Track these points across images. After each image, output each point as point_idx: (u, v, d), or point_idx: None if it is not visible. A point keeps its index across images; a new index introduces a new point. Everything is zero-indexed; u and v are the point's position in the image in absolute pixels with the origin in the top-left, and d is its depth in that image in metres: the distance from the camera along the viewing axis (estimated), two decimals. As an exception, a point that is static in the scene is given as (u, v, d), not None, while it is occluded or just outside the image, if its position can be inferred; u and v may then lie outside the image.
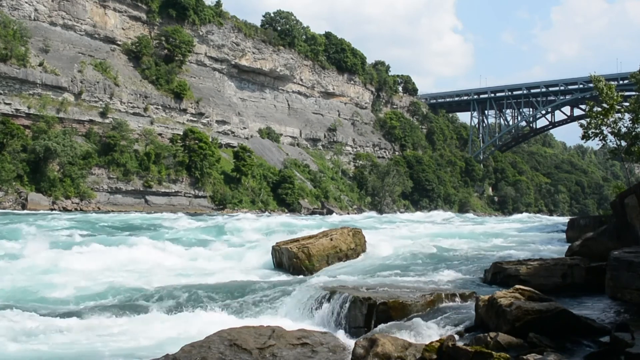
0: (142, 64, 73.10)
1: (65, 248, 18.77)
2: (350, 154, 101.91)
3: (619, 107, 26.00)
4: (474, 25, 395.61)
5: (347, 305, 9.84)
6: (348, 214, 75.70)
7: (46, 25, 64.84)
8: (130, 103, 68.08)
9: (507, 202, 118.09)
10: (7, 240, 20.61)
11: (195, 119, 76.17)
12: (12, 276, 14.15)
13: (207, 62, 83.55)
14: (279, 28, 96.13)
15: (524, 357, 6.14)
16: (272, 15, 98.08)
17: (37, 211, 46.88)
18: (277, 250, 16.37)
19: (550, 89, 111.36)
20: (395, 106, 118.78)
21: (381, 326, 9.09)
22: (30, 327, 9.60)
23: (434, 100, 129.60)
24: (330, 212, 76.13)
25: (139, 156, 64.39)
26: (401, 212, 78.78)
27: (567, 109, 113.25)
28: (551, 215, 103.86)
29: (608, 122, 24.92)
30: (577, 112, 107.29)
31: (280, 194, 76.80)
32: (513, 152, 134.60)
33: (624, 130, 25.39)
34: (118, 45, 72.57)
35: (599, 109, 25.45)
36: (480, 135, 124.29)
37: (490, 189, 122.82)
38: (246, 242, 22.93)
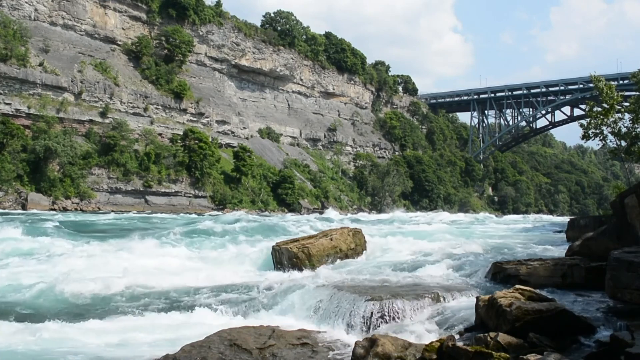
0: (142, 64, 73.13)
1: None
2: (350, 154, 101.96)
3: (619, 107, 26.04)
4: (473, 25, 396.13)
5: (347, 305, 9.84)
6: (347, 214, 75.59)
7: (46, 25, 64.86)
8: (130, 103, 68.11)
9: (507, 202, 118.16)
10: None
11: (195, 119, 76.20)
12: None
13: (207, 62, 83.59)
14: (279, 28, 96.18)
15: (524, 357, 6.14)
16: (272, 15, 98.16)
17: (38, 211, 46.85)
18: (277, 250, 16.36)
19: (550, 89, 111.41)
20: (395, 106, 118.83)
21: (381, 326, 9.09)
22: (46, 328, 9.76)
23: (434, 100, 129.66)
24: (323, 208, 76.04)
25: (139, 156, 64.41)
26: (401, 212, 77.78)
27: (567, 109, 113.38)
28: (551, 215, 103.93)
29: (608, 122, 24.96)
30: (577, 112, 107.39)
31: (280, 194, 76.83)
32: (513, 152, 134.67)
33: (624, 130, 25.44)
34: (118, 45, 72.59)
35: (599, 109, 25.49)
36: (480, 135, 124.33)
37: (490, 189, 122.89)
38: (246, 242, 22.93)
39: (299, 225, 30.90)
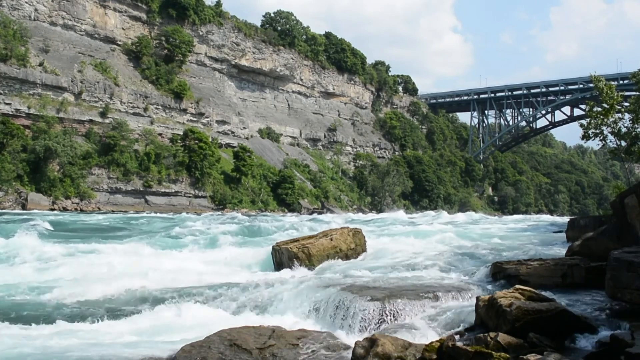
0: (142, 64, 73.17)
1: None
2: (350, 154, 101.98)
3: (619, 107, 26.04)
4: (473, 25, 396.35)
5: (347, 304, 9.84)
6: (348, 213, 75.51)
7: (46, 25, 64.89)
8: (130, 103, 68.14)
9: (507, 202, 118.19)
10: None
11: (195, 119, 76.23)
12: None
13: (207, 62, 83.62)
14: (279, 28, 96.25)
15: (524, 357, 6.13)
16: (272, 15, 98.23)
17: (38, 211, 46.85)
18: (277, 250, 16.36)
19: (550, 89, 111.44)
20: (395, 106, 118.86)
21: (381, 326, 9.09)
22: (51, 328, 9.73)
23: (434, 100, 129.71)
24: (323, 208, 75.38)
25: (139, 156, 64.43)
26: (395, 212, 73.35)
27: (567, 109, 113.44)
28: (551, 215, 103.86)
29: (608, 122, 24.97)
30: (577, 112, 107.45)
31: (280, 194, 76.86)
32: (513, 152, 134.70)
33: (624, 130, 25.46)
34: (118, 45, 72.62)
35: (599, 109, 25.50)
36: (480, 135, 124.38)
37: (490, 189, 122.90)
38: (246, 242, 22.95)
39: (284, 229, 28.74)
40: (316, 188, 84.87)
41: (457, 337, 7.64)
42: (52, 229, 26.56)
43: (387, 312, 9.36)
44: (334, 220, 41.43)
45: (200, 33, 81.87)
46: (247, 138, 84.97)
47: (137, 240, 22.05)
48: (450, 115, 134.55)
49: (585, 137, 26.01)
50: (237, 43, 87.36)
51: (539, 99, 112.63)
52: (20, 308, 11.35)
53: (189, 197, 67.84)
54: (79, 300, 12.11)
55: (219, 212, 62.37)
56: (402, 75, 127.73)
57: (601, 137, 25.75)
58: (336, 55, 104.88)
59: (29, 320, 10.28)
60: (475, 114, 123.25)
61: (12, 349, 8.30)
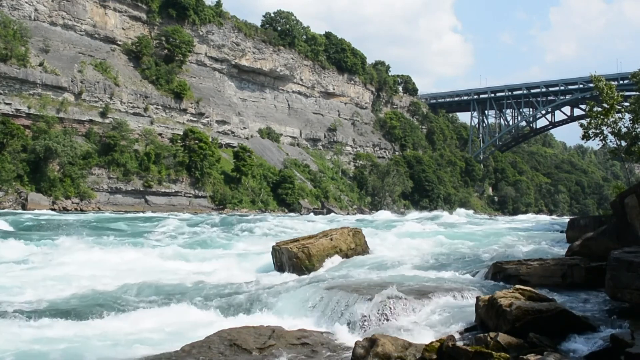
0: (142, 64, 73.18)
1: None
2: (350, 154, 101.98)
3: (619, 107, 26.02)
4: (473, 25, 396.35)
5: (347, 304, 9.84)
6: (348, 214, 75.54)
7: (46, 25, 64.90)
8: (130, 103, 68.15)
9: (507, 202, 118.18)
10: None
11: (195, 119, 76.23)
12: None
13: (207, 62, 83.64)
14: (279, 28, 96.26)
15: (524, 357, 6.13)
16: (272, 15, 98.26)
17: (37, 211, 46.83)
18: (277, 250, 16.36)
19: (550, 89, 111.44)
20: (395, 106, 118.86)
21: (381, 326, 9.08)
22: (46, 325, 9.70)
23: (434, 100, 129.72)
24: (323, 208, 75.44)
25: (139, 156, 64.44)
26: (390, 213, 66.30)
27: (567, 109, 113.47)
28: (551, 215, 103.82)
29: (608, 122, 24.93)
30: (577, 112, 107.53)
31: (280, 194, 76.87)
32: (513, 152, 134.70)
33: (624, 130, 25.43)
34: (118, 45, 72.63)
35: (599, 109, 25.46)
36: (480, 135, 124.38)
37: (490, 189, 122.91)
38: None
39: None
40: (316, 188, 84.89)
41: (457, 337, 7.64)
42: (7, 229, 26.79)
43: (387, 312, 9.36)
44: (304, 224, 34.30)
45: (200, 33, 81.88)
46: (247, 138, 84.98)
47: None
48: (450, 115, 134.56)
49: (585, 137, 25.98)
50: (237, 43, 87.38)
51: (539, 99, 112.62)
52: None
53: (189, 197, 67.84)
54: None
55: (217, 212, 62.39)
56: (402, 75, 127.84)
57: (601, 137, 25.73)
58: (336, 55, 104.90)
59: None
60: (475, 114, 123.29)
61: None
